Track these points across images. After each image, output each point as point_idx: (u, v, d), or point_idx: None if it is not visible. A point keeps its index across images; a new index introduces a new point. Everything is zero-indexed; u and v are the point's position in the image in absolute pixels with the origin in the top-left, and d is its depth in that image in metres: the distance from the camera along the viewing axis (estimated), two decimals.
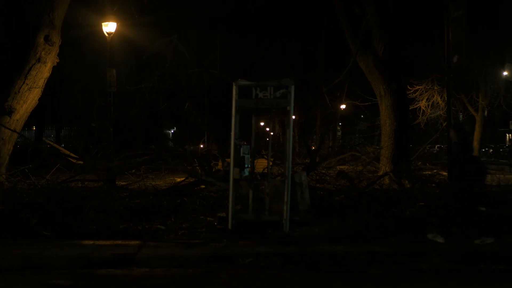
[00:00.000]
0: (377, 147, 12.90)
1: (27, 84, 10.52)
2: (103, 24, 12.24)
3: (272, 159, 8.90)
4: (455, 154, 6.56)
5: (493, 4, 19.95)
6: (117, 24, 12.33)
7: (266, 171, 8.14)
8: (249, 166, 7.02)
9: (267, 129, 14.93)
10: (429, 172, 13.11)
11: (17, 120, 10.67)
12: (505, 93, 20.23)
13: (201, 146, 21.44)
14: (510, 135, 41.35)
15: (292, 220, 6.63)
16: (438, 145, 29.51)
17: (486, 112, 22.19)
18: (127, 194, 8.85)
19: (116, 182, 10.39)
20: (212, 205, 8.26)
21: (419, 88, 18.32)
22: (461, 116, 26.48)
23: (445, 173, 11.46)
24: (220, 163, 10.65)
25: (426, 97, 18.54)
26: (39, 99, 11.27)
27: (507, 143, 39.71)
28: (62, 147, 17.27)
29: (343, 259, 5.48)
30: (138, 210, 7.79)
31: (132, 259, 5.42)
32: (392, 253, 5.61)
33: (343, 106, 29.41)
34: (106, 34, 12.21)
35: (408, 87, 17.30)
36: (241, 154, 6.89)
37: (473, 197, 6.14)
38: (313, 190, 8.48)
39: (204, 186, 9.49)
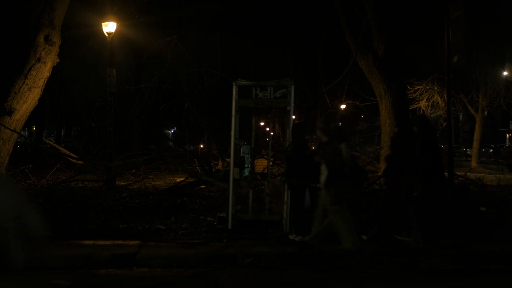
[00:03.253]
0: (377, 147, 12.89)
1: (27, 84, 10.52)
2: (103, 24, 12.24)
3: (272, 159, 8.90)
4: (289, 152, 6.52)
5: (493, 4, 19.93)
6: (117, 24, 12.34)
7: (266, 171, 8.15)
8: (249, 166, 7.02)
9: (267, 129, 14.91)
10: None
11: (17, 120, 10.67)
12: (505, 93, 20.21)
13: (201, 146, 21.47)
14: (510, 135, 41.38)
15: (292, 220, 6.63)
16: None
17: (486, 112, 22.19)
18: (127, 194, 8.86)
19: (116, 182, 10.41)
20: (212, 205, 8.27)
21: (419, 88, 18.34)
22: (461, 116, 26.48)
23: (445, 173, 11.42)
24: (220, 163, 10.66)
25: (426, 97, 18.56)
26: (39, 99, 11.27)
27: (507, 143, 39.74)
28: (62, 147, 17.30)
29: (343, 259, 5.47)
30: (138, 210, 7.80)
31: (132, 259, 5.42)
32: (392, 253, 5.61)
33: (343, 106, 29.42)
34: (106, 34, 12.21)
35: (408, 87, 17.32)
36: (241, 154, 6.89)
37: (298, 195, 6.25)
38: (313, 190, 8.46)
39: (204, 186, 9.50)
